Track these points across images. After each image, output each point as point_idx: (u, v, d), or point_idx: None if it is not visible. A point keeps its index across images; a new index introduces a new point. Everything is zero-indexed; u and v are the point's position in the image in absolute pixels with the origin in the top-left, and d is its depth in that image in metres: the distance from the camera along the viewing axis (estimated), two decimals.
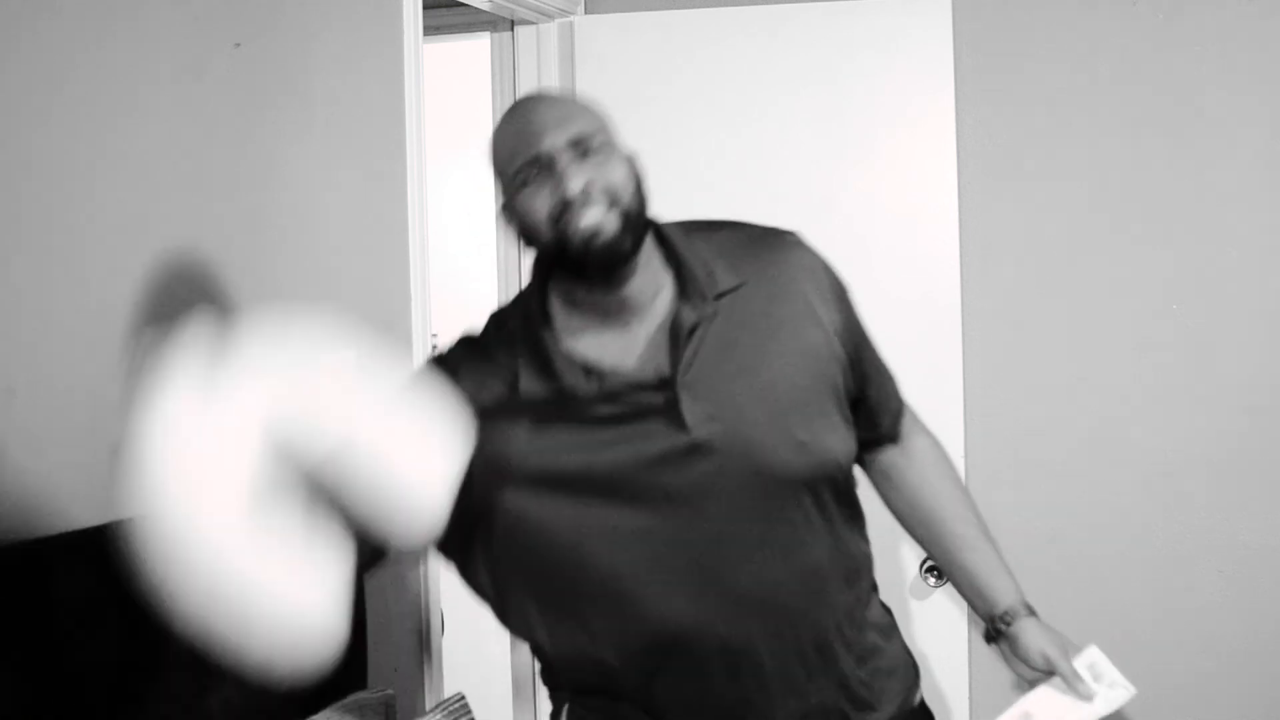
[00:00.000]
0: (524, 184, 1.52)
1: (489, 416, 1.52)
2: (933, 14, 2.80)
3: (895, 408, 1.78)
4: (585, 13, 3.01)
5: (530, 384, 1.55)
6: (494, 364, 1.58)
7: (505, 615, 1.65)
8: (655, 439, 1.53)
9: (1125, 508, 2.75)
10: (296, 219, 2.14)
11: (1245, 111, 2.67)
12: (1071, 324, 2.78)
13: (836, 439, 1.62)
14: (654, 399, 1.53)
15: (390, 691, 1.95)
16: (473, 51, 3.21)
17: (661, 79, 2.92)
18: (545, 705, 3.05)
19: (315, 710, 1.88)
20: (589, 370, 1.54)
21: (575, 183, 1.49)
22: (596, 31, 2.96)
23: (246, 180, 2.03)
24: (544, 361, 1.55)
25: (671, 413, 1.52)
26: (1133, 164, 2.73)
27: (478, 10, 2.79)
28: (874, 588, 1.76)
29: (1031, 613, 1.72)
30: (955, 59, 2.80)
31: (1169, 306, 2.72)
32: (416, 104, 2.44)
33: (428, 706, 2.44)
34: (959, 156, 2.80)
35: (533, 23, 2.97)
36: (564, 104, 1.59)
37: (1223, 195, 2.69)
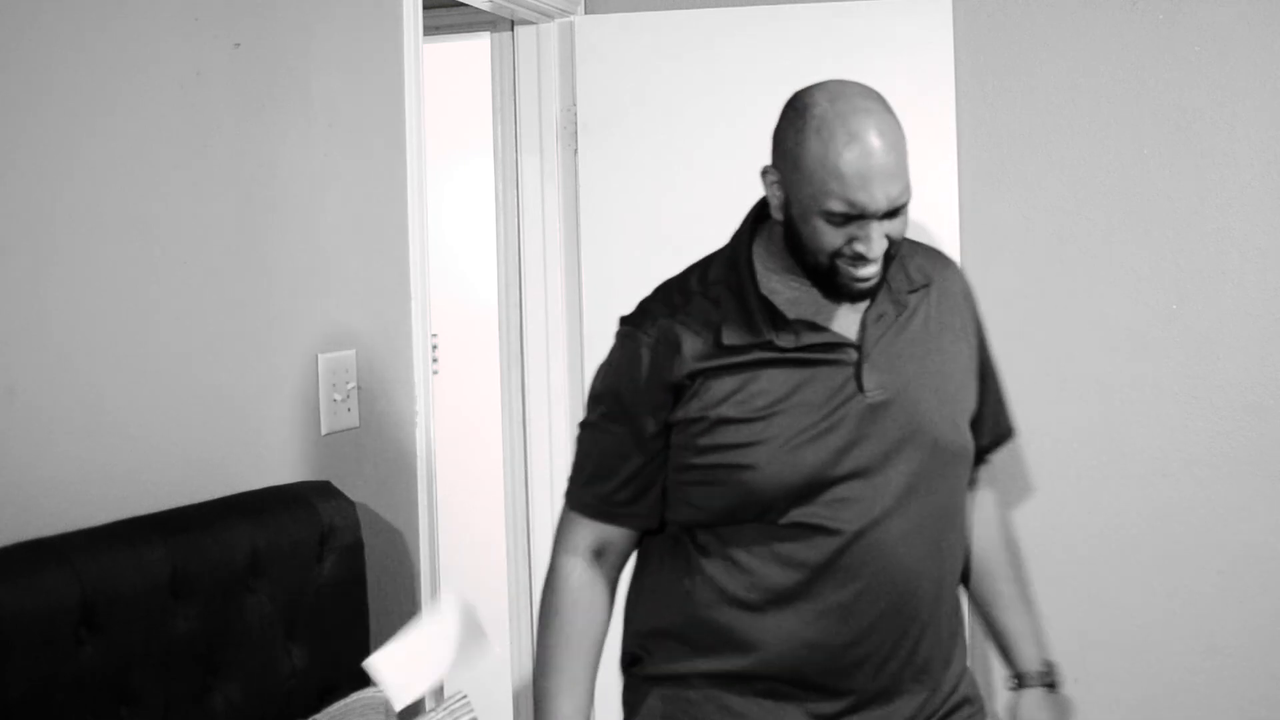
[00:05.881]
0: (829, 218, 1.61)
1: (695, 364, 1.70)
2: (933, 14, 2.80)
3: (998, 430, 1.92)
4: (585, 13, 3.01)
5: (733, 335, 1.71)
6: (697, 319, 1.73)
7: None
8: (837, 394, 1.69)
9: (1124, 508, 2.75)
10: (296, 219, 2.14)
11: (1245, 111, 2.67)
12: (1071, 323, 2.78)
13: (970, 435, 1.81)
14: (845, 359, 1.70)
15: None
16: (473, 51, 3.20)
17: (661, 79, 2.92)
18: None
19: (316, 710, 1.88)
20: (791, 324, 1.70)
21: (878, 248, 1.62)
22: (596, 31, 2.96)
23: (246, 180, 2.03)
24: (748, 314, 1.71)
25: (855, 375, 1.70)
26: (1133, 164, 2.73)
27: (478, 10, 2.79)
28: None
29: (1047, 680, 1.88)
30: (955, 59, 2.80)
31: (1169, 306, 2.72)
32: (416, 104, 2.44)
33: (428, 706, 2.44)
34: (959, 156, 2.80)
35: (533, 23, 2.97)
36: (897, 157, 1.62)
37: (1223, 195, 2.69)
